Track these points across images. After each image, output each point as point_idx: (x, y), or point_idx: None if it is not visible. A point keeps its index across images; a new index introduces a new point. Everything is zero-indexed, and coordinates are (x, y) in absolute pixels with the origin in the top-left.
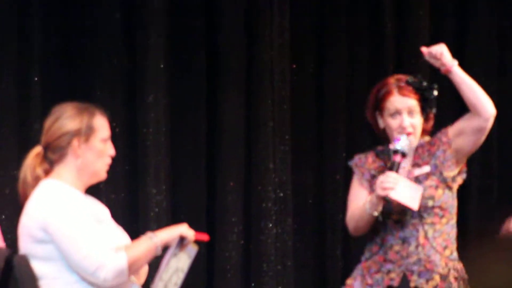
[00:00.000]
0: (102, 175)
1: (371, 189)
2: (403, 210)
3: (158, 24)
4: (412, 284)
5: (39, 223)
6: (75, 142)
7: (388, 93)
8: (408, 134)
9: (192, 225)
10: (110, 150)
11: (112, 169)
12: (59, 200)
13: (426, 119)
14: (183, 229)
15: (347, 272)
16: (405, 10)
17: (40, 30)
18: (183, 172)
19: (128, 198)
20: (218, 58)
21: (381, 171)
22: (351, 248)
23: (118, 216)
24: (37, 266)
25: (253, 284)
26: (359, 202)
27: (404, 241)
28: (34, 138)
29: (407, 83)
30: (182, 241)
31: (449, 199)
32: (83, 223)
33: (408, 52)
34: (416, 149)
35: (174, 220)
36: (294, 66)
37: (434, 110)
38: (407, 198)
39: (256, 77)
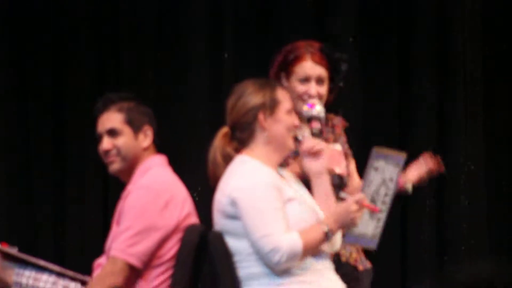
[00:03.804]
0: (290, 145)
1: None
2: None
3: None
4: None
5: (229, 198)
6: (261, 116)
7: (300, 58)
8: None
9: None
10: (295, 121)
11: None
12: (250, 177)
13: (330, 91)
14: None
15: None
16: None
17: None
18: None
19: None
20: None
21: None
22: None
23: None
24: (230, 242)
25: None
26: None
27: None
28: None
29: (321, 50)
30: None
31: None
32: (268, 202)
33: None
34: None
35: None
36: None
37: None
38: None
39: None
